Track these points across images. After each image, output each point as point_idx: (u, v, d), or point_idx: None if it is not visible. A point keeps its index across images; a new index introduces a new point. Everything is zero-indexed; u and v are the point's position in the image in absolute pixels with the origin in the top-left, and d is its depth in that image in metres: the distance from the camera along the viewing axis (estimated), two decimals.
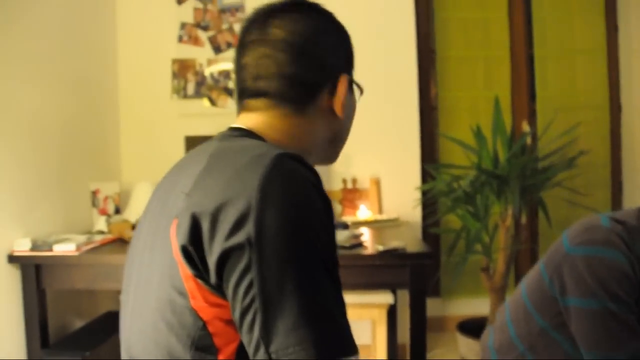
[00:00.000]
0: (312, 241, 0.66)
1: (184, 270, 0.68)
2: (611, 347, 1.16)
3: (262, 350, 0.62)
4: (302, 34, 0.83)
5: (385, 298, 2.30)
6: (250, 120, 0.84)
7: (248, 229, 0.64)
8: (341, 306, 0.67)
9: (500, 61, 3.26)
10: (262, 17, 0.85)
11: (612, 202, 3.30)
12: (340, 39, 0.90)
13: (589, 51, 3.29)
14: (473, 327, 2.72)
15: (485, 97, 3.16)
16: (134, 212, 2.44)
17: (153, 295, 0.73)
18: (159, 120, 2.95)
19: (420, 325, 2.02)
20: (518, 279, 3.14)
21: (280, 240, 0.64)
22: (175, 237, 0.69)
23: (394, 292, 2.39)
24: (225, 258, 0.65)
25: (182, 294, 0.69)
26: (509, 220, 2.53)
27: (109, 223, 2.32)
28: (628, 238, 1.22)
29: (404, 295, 2.68)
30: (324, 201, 0.70)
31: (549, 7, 3.26)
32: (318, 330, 0.63)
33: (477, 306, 3.08)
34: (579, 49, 3.30)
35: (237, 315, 0.65)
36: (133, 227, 2.24)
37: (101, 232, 2.33)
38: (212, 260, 0.66)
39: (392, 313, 2.61)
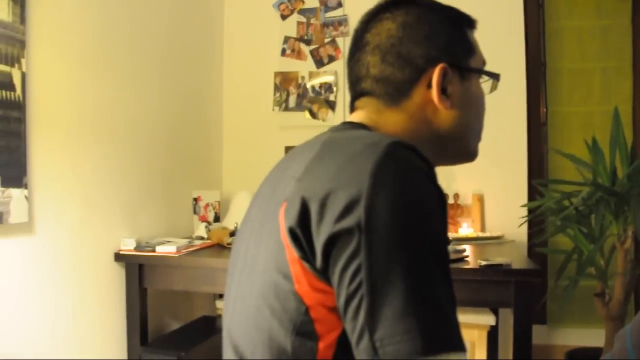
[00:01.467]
0: (424, 230, 0.63)
1: (291, 252, 0.67)
2: None
3: (366, 338, 0.59)
4: (388, 36, 0.86)
5: (486, 319, 2.18)
6: (358, 116, 0.87)
7: (358, 214, 0.62)
8: (451, 300, 0.63)
9: (620, 72, 3.02)
10: (362, 25, 0.90)
11: None
12: (437, 28, 0.86)
13: None
14: (583, 359, 2.50)
15: (602, 112, 2.93)
16: (232, 220, 2.49)
17: (258, 279, 0.73)
18: (260, 132, 3.02)
19: (525, 350, 1.89)
20: (638, 307, 2.86)
21: (390, 226, 0.61)
22: (284, 219, 0.68)
23: (495, 313, 2.26)
24: (333, 241, 0.63)
25: (287, 277, 0.68)
26: (629, 242, 2.30)
27: (208, 230, 2.39)
28: None
29: (507, 317, 2.52)
30: (438, 192, 0.66)
31: None
32: (426, 321, 0.59)
33: (587, 336, 2.83)
34: None
35: (342, 301, 0.62)
36: (232, 234, 2.28)
37: (201, 238, 2.41)
38: (319, 243, 0.64)
39: (493, 335, 2.47)
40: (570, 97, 3.04)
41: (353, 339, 0.61)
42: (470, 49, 0.88)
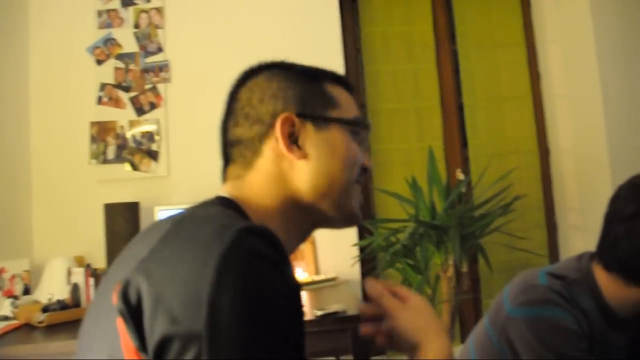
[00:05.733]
0: (271, 332, 0.59)
1: (126, 341, 0.60)
2: None
3: None
4: (239, 99, 0.86)
5: None
6: (225, 187, 0.85)
7: (198, 316, 0.56)
8: None
9: (431, 111, 3.27)
10: (229, 93, 0.89)
11: (549, 242, 3.31)
12: (287, 84, 0.85)
13: (516, 98, 3.37)
14: None
15: (419, 149, 3.14)
16: (46, 291, 2.21)
17: None
18: (76, 187, 2.76)
19: None
20: (463, 328, 3.06)
21: (235, 331, 0.56)
22: (118, 302, 0.61)
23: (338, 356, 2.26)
24: (167, 343, 0.57)
25: None
26: (451, 271, 2.47)
27: (15, 306, 2.09)
28: (568, 293, 1.22)
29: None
30: (288, 283, 0.63)
31: (475, 58, 3.33)
32: None
33: None
34: (506, 96, 3.37)
35: None
36: (45, 309, 2.01)
37: (5, 318, 2.09)
38: (152, 340, 0.58)
39: None
40: (390, 136, 3.22)
41: None
42: (330, 101, 0.86)
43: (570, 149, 3.27)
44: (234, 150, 0.84)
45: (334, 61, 2.93)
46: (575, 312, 1.21)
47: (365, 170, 0.86)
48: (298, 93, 0.84)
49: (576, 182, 3.24)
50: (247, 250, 0.62)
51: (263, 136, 0.82)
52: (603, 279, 1.26)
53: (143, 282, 0.61)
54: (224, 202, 0.79)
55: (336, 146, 0.83)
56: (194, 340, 0.56)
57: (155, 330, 0.58)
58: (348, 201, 0.84)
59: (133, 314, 0.60)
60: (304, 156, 0.81)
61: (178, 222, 0.70)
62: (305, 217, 0.83)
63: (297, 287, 0.65)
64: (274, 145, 0.82)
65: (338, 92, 0.87)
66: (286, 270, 0.64)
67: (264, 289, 0.60)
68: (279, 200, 0.81)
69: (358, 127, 0.86)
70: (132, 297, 0.61)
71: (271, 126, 0.82)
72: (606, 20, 3.05)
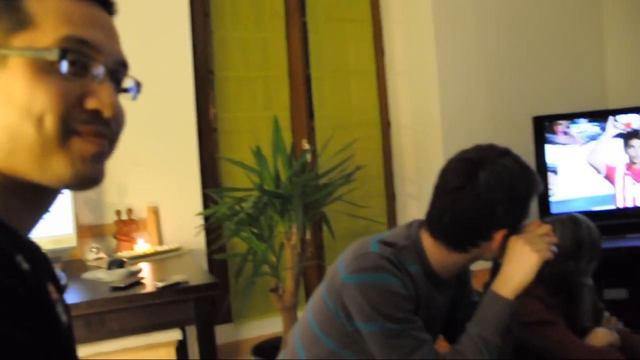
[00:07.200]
0: None
1: None
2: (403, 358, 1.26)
3: None
4: None
5: (171, 335, 2.12)
6: None
7: None
8: None
9: (279, 81, 3.28)
10: None
11: (388, 211, 3.53)
12: None
13: (361, 73, 3.50)
14: (268, 349, 2.67)
15: (266, 118, 3.15)
16: None
17: None
18: None
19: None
20: (308, 295, 3.17)
21: None
22: None
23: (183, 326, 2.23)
24: None
25: None
26: (294, 239, 2.53)
27: None
28: (397, 259, 1.32)
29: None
30: None
31: (324, 31, 3.39)
32: None
33: (270, 327, 3.03)
34: (352, 71, 3.48)
35: None
36: None
37: None
38: None
39: (184, 347, 2.45)
40: (237, 104, 3.19)
41: None
42: (17, 15, 0.60)
43: (409, 123, 3.49)
44: None
45: (180, 24, 2.81)
46: (404, 277, 1.30)
47: (96, 113, 0.63)
48: None
49: (413, 155, 3.48)
50: None
51: None
52: (429, 244, 1.37)
53: None
54: None
55: (12, 91, 0.59)
56: None
57: None
58: (52, 162, 0.60)
59: None
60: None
61: None
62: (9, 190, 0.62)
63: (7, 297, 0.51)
64: None
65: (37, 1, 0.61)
66: None
67: None
68: None
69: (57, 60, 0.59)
70: None
71: None
72: (445, 4, 3.27)
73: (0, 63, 0.58)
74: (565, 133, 3.14)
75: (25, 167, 0.60)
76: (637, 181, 3.12)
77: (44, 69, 0.59)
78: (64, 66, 0.60)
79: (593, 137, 3.12)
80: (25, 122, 0.58)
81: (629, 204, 3.12)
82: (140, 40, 2.64)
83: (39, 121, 0.59)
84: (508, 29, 3.43)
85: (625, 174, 3.11)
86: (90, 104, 0.62)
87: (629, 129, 3.11)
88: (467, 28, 3.33)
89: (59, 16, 0.61)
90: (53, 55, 0.59)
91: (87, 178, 0.63)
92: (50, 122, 0.59)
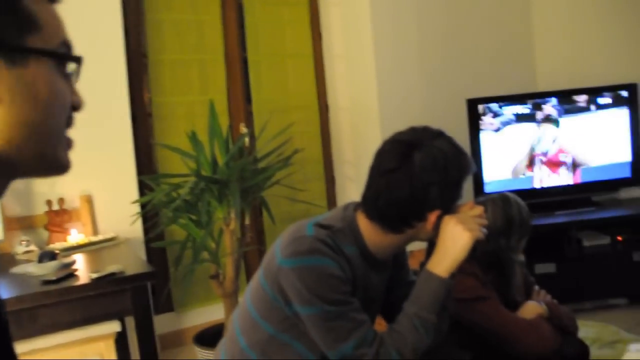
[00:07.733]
0: None
1: None
2: (341, 342, 1.28)
3: None
4: None
5: (110, 327, 2.08)
6: None
7: None
8: None
9: (215, 65, 3.22)
10: None
11: (327, 194, 3.56)
12: None
13: (299, 56, 3.49)
14: (210, 337, 2.65)
15: (202, 102, 3.09)
16: None
17: None
18: None
19: (150, 351, 1.90)
20: (249, 280, 3.15)
21: None
22: None
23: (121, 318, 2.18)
24: None
25: None
26: (233, 224, 2.51)
27: None
28: (333, 241, 1.31)
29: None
30: None
31: (260, 14, 3.35)
32: None
33: (212, 314, 3.01)
34: (290, 54, 3.46)
35: None
36: None
37: None
38: None
39: (123, 339, 2.39)
40: (172, 88, 3.12)
41: None
42: (28, 21, 0.63)
43: (346, 106, 3.51)
44: None
45: (110, 6, 2.70)
46: (340, 259, 1.30)
47: (75, 109, 0.70)
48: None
49: (351, 137, 3.51)
50: None
51: None
52: (365, 226, 1.38)
53: None
54: None
55: (37, 88, 0.63)
56: None
57: None
58: (54, 151, 0.67)
59: None
60: None
61: None
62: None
63: None
64: None
65: (41, 7, 0.65)
66: None
67: None
68: None
69: (65, 60, 0.67)
70: None
71: None
72: None
73: (21, 63, 0.62)
74: (496, 115, 3.26)
75: (29, 157, 0.65)
76: (555, 163, 3.28)
77: (57, 69, 0.66)
78: (72, 67, 0.68)
79: (522, 120, 3.26)
80: (47, 119, 0.65)
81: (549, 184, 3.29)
82: (69, 24, 2.51)
83: (57, 117, 0.66)
84: (444, 13, 3.50)
85: (544, 154, 3.27)
86: (75, 100, 0.70)
87: (549, 113, 3.27)
88: (404, 12, 3.36)
89: (53, 20, 0.67)
90: (67, 59, 0.67)
91: (65, 167, 0.71)
92: (63, 118, 0.68)
